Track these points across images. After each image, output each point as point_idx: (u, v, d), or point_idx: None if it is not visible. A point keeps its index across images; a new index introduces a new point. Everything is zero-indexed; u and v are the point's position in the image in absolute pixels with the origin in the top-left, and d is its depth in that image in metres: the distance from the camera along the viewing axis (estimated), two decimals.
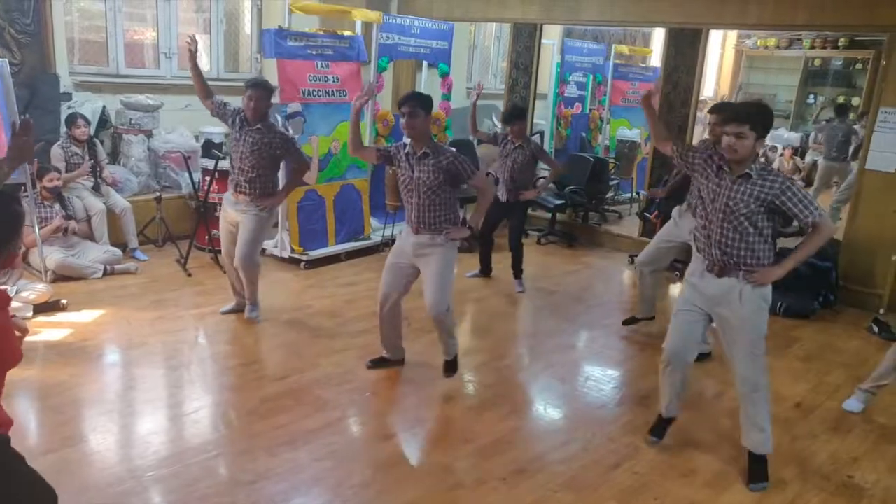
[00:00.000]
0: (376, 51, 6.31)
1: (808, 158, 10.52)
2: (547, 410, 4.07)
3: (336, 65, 6.02)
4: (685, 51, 6.59)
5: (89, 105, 6.00)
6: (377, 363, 4.25)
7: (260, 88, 4.33)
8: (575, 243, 7.38)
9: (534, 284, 5.98)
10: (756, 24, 6.45)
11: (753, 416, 3.26)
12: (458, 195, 3.94)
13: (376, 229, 6.63)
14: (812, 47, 11.11)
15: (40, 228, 5.08)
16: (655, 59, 10.09)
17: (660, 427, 3.60)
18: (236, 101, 4.57)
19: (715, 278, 3.16)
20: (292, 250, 5.91)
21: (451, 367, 4.11)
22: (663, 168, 6.47)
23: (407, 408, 3.94)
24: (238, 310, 4.87)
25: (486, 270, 6.06)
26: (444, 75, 7.04)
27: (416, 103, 3.71)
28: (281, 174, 5.00)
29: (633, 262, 6.77)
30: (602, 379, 4.46)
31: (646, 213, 6.76)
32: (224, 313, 4.88)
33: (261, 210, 4.47)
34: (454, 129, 7.63)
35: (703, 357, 4.44)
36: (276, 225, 6.16)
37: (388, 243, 6.48)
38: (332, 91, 6.02)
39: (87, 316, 4.65)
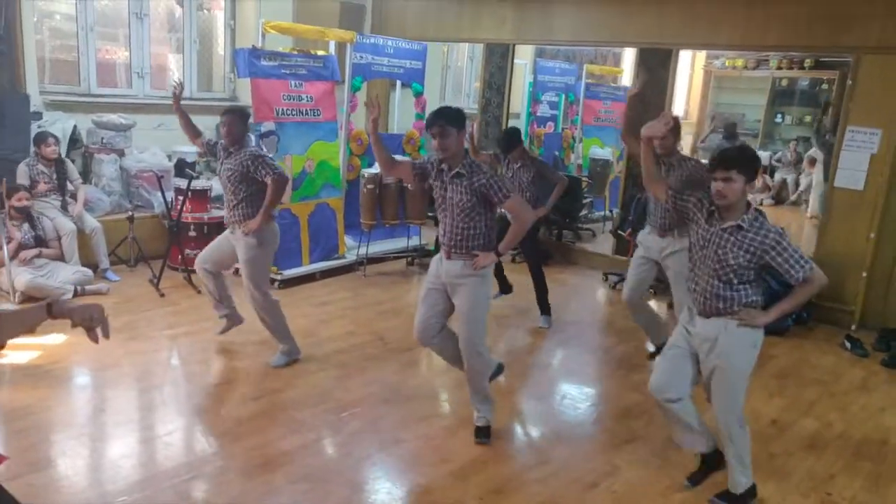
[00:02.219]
0: (350, 70, 6.34)
1: (777, 176, 10.74)
2: (524, 429, 4.07)
3: (310, 84, 6.03)
4: (655, 71, 6.72)
5: (60, 124, 5.93)
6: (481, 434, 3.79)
7: (232, 114, 4.29)
8: (549, 261, 7.43)
9: (508, 302, 6.00)
10: (727, 44, 6.61)
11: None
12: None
13: (351, 248, 6.62)
14: (779, 68, 11.37)
15: (9, 248, 4.99)
16: (626, 78, 10.26)
17: (698, 472, 3.46)
18: (207, 120, 4.54)
19: (704, 319, 3.13)
20: None
21: (482, 433, 3.74)
22: (636, 187, 6.56)
23: (383, 428, 3.91)
24: (230, 324, 4.69)
25: (505, 288, 5.93)
26: (418, 95, 7.08)
27: (446, 121, 3.39)
28: None
29: (607, 279, 6.85)
30: (578, 397, 4.48)
31: (619, 231, 6.84)
32: (221, 333, 4.71)
33: (245, 235, 4.24)
34: (428, 149, 7.67)
35: None
36: None
37: (363, 262, 6.47)
38: (306, 110, 6.03)
39: (56, 338, 4.55)
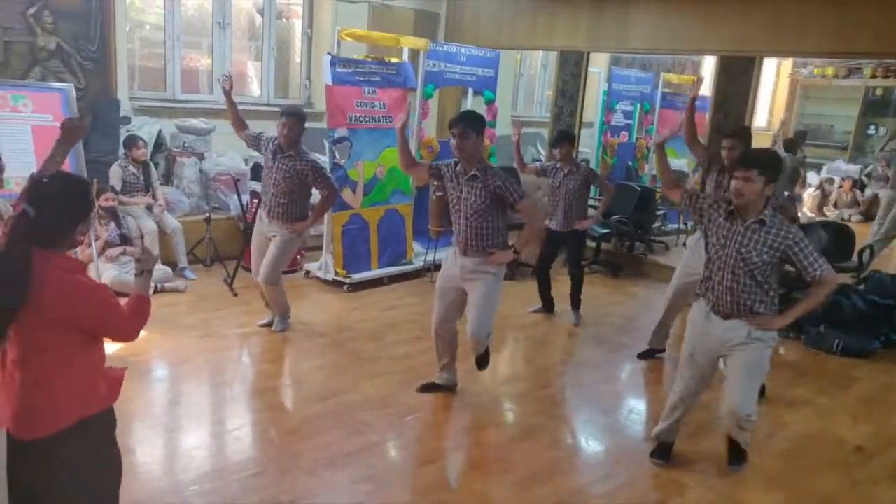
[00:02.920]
0: (422, 78, 6.39)
1: (867, 191, 10.20)
2: (589, 442, 3.98)
3: (383, 91, 6.11)
4: (737, 79, 6.50)
5: (146, 128, 6.20)
6: (428, 388, 4.21)
7: (294, 117, 4.50)
8: (620, 273, 7.28)
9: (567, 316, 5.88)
10: (814, 51, 6.33)
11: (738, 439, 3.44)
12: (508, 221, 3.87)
13: (419, 254, 6.65)
14: (873, 76, 10.81)
15: (96, 246, 5.24)
16: (706, 87, 9.98)
17: (662, 451, 3.64)
18: None
19: (721, 320, 3.20)
20: (336, 273, 5.96)
21: (483, 360, 4.10)
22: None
23: (447, 434, 3.90)
24: (272, 321, 5.02)
25: (548, 307, 5.86)
26: (490, 103, 7.08)
27: (467, 124, 3.62)
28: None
29: None
30: (646, 413, 4.35)
31: None
32: (261, 326, 5.01)
33: (291, 232, 4.62)
34: (498, 157, 7.66)
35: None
36: (321, 247, 6.27)
37: (430, 268, 6.49)
38: (379, 117, 6.11)
39: None
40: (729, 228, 3.11)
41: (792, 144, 9.13)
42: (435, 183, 4.20)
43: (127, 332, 2.13)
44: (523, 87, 10.58)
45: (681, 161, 9.19)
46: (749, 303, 3.11)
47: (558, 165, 5.47)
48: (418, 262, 6.58)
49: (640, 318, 6.03)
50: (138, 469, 3.23)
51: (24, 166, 4.86)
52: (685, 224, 8.56)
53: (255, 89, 7.62)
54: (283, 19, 7.80)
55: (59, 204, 1.96)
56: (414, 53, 6.63)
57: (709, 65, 9.49)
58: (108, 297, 2.04)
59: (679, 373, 3.48)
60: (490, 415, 4.09)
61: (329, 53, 5.75)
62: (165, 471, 3.28)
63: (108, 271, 5.24)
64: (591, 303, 5.83)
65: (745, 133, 4.48)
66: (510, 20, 7.92)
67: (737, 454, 3.54)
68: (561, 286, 5.90)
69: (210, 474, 3.24)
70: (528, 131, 9.24)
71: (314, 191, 4.79)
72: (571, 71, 7.86)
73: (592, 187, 5.87)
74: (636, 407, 4.41)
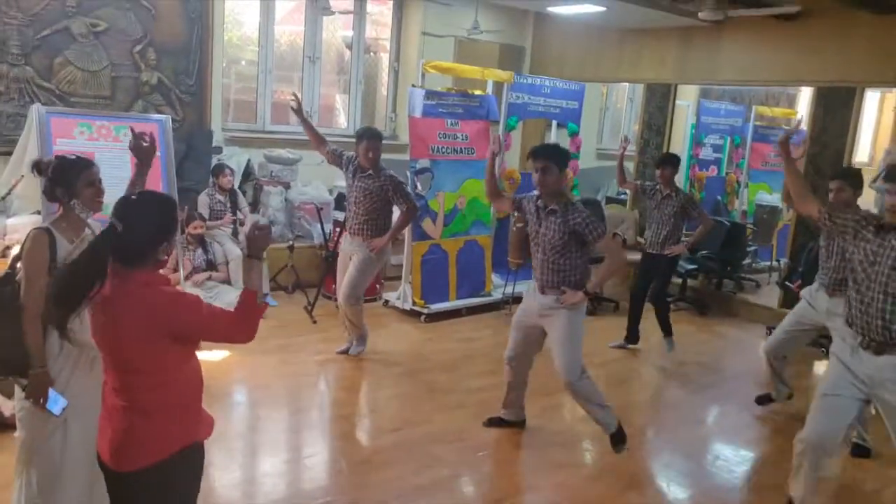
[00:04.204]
0: (506, 110, 6.38)
1: None
2: (670, 488, 3.76)
3: (465, 123, 6.14)
4: (836, 111, 6.17)
5: (236, 158, 6.45)
6: (494, 422, 4.12)
7: (374, 139, 4.61)
8: (707, 311, 6.96)
9: (662, 354, 5.66)
10: None
11: None
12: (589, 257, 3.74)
13: (498, 286, 6.58)
14: None
15: (184, 271, 5.44)
16: (803, 122, 9.54)
17: None
18: None
19: (872, 356, 2.80)
20: (414, 303, 5.96)
21: (616, 439, 3.76)
22: (807, 235, 6.02)
23: (520, 472, 3.78)
24: (348, 348, 5.08)
25: (632, 338, 5.68)
26: (574, 135, 6.99)
27: (550, 158, 3.54)
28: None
29: (771, 334, 6.26)
30: (733, 459, 4.08)
31: (787, 283, 6.26)
32: (339, 353, 5.05)
33: (370, 251, 4.66)
34: (581, 189, 7.53)
35: (862, 452, 3.99)
36: (400, 277, 6.29)
37: (508, 301, 6.40)
38: (461, 149, 6.13)
39: (216, 355, 4.87)
40: (880, 244, 2.79)
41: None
42: (516, 215, 4.12)
43: (234, 331, 2.01)
44: (609, 119, 10.44)
45: (772, 196, 8.79)
46: None
47: (658, 187, 5.37)
48: (497, 294, 6.50)
49: (728, 359, 5.75)
50: (209, 493, 3.25)
51: (122, 193, 5.14)
52: (777, 261, 8.15)
53: (342, 121, 7.83)
54: (371, 53, 8.00)
55: (144, 221, 1.98)
56: (498, 86, 6.64)
57: (805, 97, 9.09)
58: (194, 301, 2.00)
59: (812, 417, 3.08)
60: (566, 454, 3.93)
61: (413, 86, 5.83)
62: (234, 497, 3.29)
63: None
64: (676, 340, 5.58)
65: (854, 175, 4.10)
66: (596, 53, 7.84)
67: None
68: (644, 322, 5.70)
69: (280, 502, 3.24)
70: (612, 164, 9.07)
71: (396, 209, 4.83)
72: (658, 104, 7.70)
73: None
74: (722, 453, 4.14)
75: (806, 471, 3.08)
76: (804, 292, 4.30)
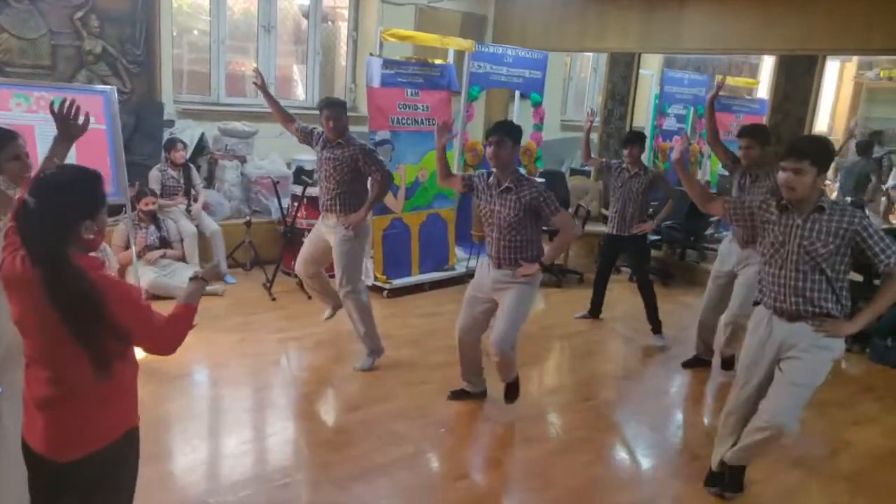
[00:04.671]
0: (467, 79, 6.24)
1: None
2: (635, 459, 3.74)
3: (426, 93, 5.98)
4: (798, 80, 6.17)
5: (189, 132, 6.21)
6: (458, 395, 4.08)
7: (334, 108, 4.30)
8: (671, 281, 6.97)
9: (626, 325, 5.66)
10: (882, 48, 5.94)
11: (750, 450, 3.06)
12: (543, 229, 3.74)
13: (461, 260, 6.49)
14: None
15: (136, 249, 5.23)
16: (763, 90, 9.57)
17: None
18: None
19: (786, 322, 2.89)
20: (376, 278, 5.84)
21: (512, 391, 3.93)
22: None
23: (484, 447, 3.72)
24: (335, 311, 4.79)
25: (595, 312, 5.67)
26: (537, 105, 6.89)
27: (504, 133, 3.53)
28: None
29: None
30: (697, 429, 4.08)
31: None
32: (326, 320, 4.85)
33: (347, 229, 4.28)
34: (545, 161, 7.45)
35: None
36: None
37: (472, 274, 6.30)
38: (422, 119, 5.98)
39: None
40: (786, 224, 2.82)
41: (866, 147, 8.62)
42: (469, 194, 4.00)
43: (163, 341, 1.94)
44: (573, 90, 10.35)
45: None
46: (818, 302, 2.79)
47: (624, 165, 5.27)
48: (461, 268, 6.42)
49: (692, 329, 5.73)
50: (167, 477, 3.14)
51: None
52: None
53: (300, 93, 7.60)
54: (329, 22, 7.76)
55: (61, 197, 1.79)
56: (459, 55, 6.49)
57: (768, 66, 9.10)
58: (139, 298, 1.89)
59: (735, 386, 3.17)
60: (530, 428, 3.89)
61: (371, 55, 5.65)
62: (193, 479, 3.18)
63: (147, 274, 5.22)
64: (639, 311, 5.57)
65: (760, 131, 4.38)
66: (559, 22, 7.72)
67: (735, 481, 3.22)
68: (609, 293, 5.69)
69: (238, 484, 3.13)
70: (573, 135, 9.01)
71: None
72: (622, 73, 7.63)
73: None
74: (686, 423, 4.15)
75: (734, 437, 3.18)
76: (720, 248, 4.64)
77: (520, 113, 7.12)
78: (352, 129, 4.53)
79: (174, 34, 6.48)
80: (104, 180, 1.92)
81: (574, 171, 8.73)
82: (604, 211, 7.04)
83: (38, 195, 1.77)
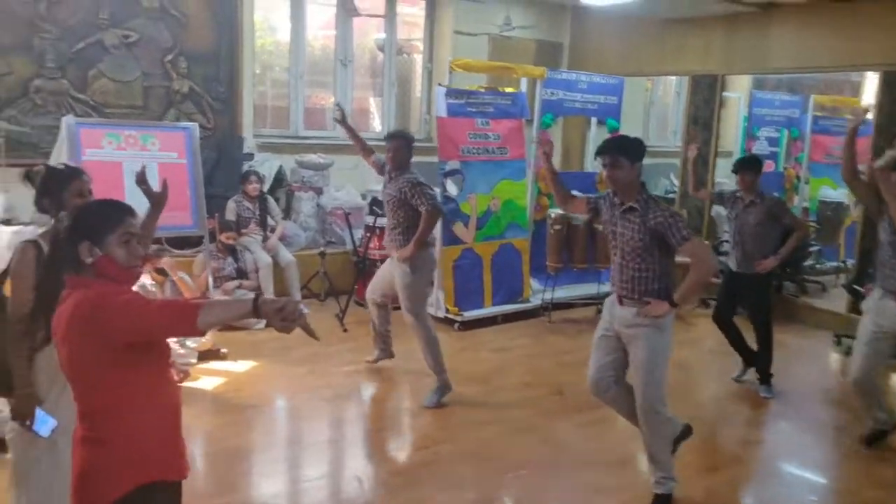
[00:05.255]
0: (539, 107, 6.11)
1: None
2: None
3: (497, 122, 5.90)
4: None
5: (267, 164, 6.36)
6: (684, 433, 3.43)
7: (397, 139, 4.29)
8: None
9: (722, 363, 5.23)
10: None
11: None
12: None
13: (536, 291, 6.29)
14: None
15: (213, 279, 5.36)
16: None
17: None
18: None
19: None
20: (447, 310, 5.74)
21: (660, 501, 3.26)
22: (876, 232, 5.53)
23: (551, 498, 3.47)
24: (381, 357, 4.81)
25: (748, 361, 4.89)
26: (614, 131, 6.66)
27: (616, 151, 3.12)
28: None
29: (840, 342, 5.77)
30: (800, 485, 3.72)
31: (854, 286, 5.79)
32: (368, 362, 4.83)
33: (401, 262, 4.24)
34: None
35: None
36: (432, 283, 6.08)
37: (548, 307, 6.11)
38: (493, 149, 5.88)
39: (242, 366, 4.76)
40: None
41: None
42: (592, 218, 3.66)
43: (175, 317, 1.73)
44: (655, 115, 10.02)
45: (837, 192, 8.24)
46: None
47: (738, 195, 4.71)
48: (536, 301, 6.22)
49: (791, 370, 5.26)
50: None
51: (147, 202, 5.09)
52: (844, 262, 7.62)
53: (376, 125, 7.68)
54: (405, 55, 7.84)
55: (71, 224, 1.84)
56: (532, 83, 6.38)
57: (871, 84, 8.50)
58: (123, 300, 1.76)
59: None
60: (604, 476, 3.61)
61: (440, 85, 5.63)
62: None
63: None
64: (704, 345, 5.19)
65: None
66: (637, 46, 7.50)
67: None
68: (693, 329, 5.35)
69: None
70: (661, 161, 8.69)
71: None
72: (704, 96, 7.28)
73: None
74: (788, 477, 3.78)
75: None
76: (868, 304, 3.86)
77: (597, 140, 6.89)
78: (426, 159, 4.46)
79: (257, 72, 6.69)
80: (128, 210, 1.89)
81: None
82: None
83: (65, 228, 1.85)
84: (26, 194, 2.65)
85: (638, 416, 3.22)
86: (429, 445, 3.87)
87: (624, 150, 3.11)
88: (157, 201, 2.63)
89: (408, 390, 4.62)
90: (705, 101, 7.21)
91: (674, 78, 9.51)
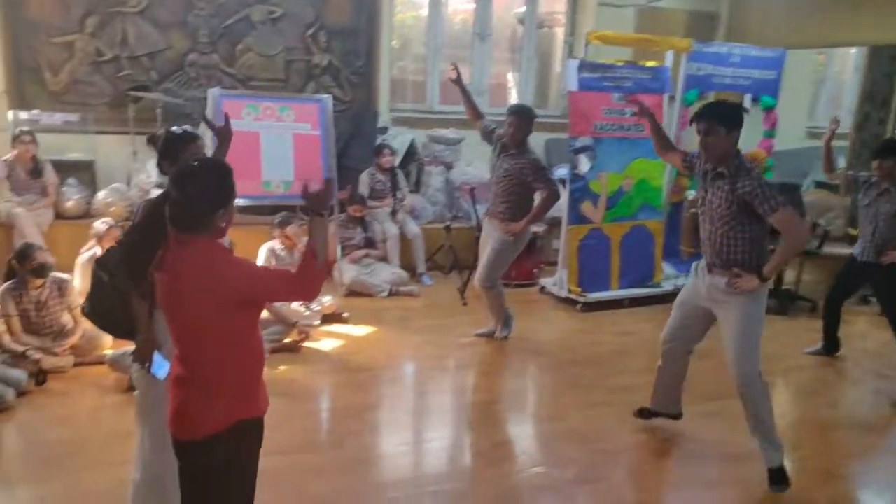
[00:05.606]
0: (683, 82, 5.73)
1: None
2: None
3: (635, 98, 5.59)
4: None
5: (400, 138, 6.48)
6: (644, 414, 3.67)
7: (519, 115, 4.33)
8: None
9: (857, 363, 4.78)
10: None
11: None
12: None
13: (669, 277, 5.96)
14: None
15: (342, 247, 5.57)
16: None
17: None
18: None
19: None
20: (570, 290, 5.58)
21: (775, 478, 3.16)
22: None
23: (656, 486, 3.30)
24: (489, 333, 4.85)
25: (830, 347, 4.84)
26: (769, 109, 6.12)
27: (712, 118, 2.97)
28: None
29: None
30: None
31: None
32: (479, 335, 4.87)
33: (505, 235, 4.41)
34: (780, 172, 6.59)
35: None
36: (554, 262, 5.96)
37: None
38: (629, 126, 5.60)
39: (362, 330, 4.91)
40: None
41: None
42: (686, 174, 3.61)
43: (292, 291, 2.07)
44: (826, 93, 9.12)
45: None
46: None
47: (874, 180, 4.42)
48: (668, 286, 5.89)
49: None
50: (325, 467, 3.22)
51: (284, 171, 5.37)
52: None
53: (513, 100, 7.58)
54: (546, 28, 7.65)
55: (200, 188, 1.94)
56: (679, 57, 5.99)
57: None
58: (248, 265, 2.03)
59: None
60: (715, 468, 3.37)
61: (574, 57, 5.43)
62: (344, 472, 3.22)
63: (349, 271, 5.53)
64: (857, 344, 4.67)
65: None
66: (804, 15, 6.81)
67: None
68: (851, 327, 4.86)
69: (387, 485, 3.14)
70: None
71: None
72: (885, 70, 6.50)
73: None
74: None
75: None
76: None
77: (748, 118, 6.37)
78: (561, 136, 4.41)
79: (396, 46, 6.82)
80: (233, 174, 2.02)
81: (820, 185, 7.63)
82: (850, 230, 6.05)
83: (181, 186, 1.94)
84: None
85: (736, 387, 3.15)
86: (536, 421, 3.83)
87: (720, 118, 2.96)
88: (223, 135, 2.69)
89: (520, 366, 4.56)
90: (886, 75, 6.42)
91: (854, 51, 8.59)
